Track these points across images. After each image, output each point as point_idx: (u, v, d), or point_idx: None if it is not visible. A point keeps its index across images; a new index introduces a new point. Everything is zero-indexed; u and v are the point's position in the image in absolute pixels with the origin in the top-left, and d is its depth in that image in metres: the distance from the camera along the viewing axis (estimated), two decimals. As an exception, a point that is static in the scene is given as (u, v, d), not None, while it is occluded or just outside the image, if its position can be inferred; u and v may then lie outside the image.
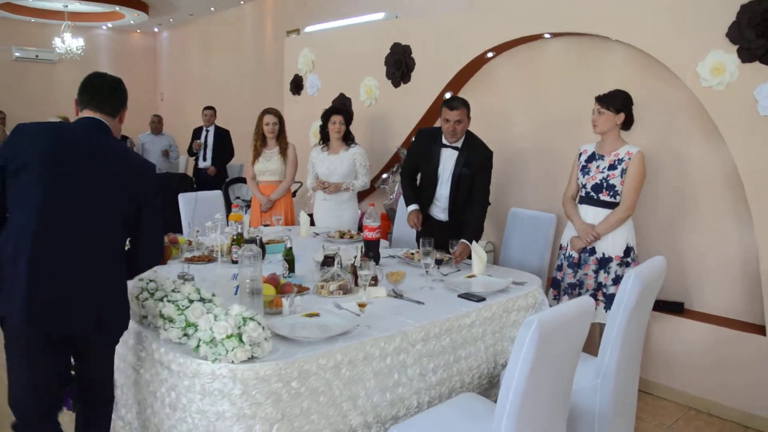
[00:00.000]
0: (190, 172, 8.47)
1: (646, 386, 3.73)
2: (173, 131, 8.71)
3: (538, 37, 4.35)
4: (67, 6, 9.50)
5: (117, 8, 9.51)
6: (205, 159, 7.64)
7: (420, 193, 3.96)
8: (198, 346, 2.11)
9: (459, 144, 3.72)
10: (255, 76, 9.27)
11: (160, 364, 2.28)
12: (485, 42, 4.52)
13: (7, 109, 9.15)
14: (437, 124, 3.89)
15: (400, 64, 5.17)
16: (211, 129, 7.62)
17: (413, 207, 3.90)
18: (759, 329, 3.41)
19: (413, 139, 4.13)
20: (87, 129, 2.30)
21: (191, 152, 7.78)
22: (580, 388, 2.59)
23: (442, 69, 4.71)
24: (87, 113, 2.33)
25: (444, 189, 3.82)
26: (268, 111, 4.90)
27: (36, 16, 10.27)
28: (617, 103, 3.33)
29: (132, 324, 2.51)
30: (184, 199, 4.91)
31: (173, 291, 2.45)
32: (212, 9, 9.86)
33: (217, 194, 5.24)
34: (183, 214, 4.88)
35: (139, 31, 12.34)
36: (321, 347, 2.23)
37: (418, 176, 4.01)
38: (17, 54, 11.04)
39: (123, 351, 2.65)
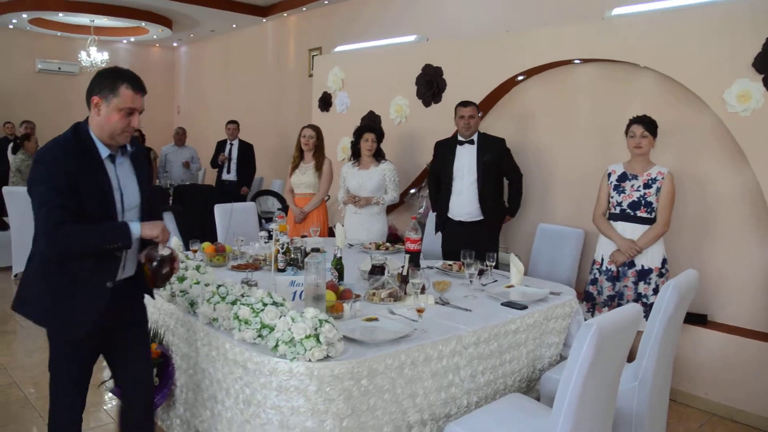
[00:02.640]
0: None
1: (672, 394, 3.87)
2: (190, 144, 8.92)
3: (568, 62, 4.56)
4: (93, 21, 9.75)
5: (143, 23, 9.77)
6: (229, 172, 7.84)
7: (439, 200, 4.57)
8: (276, 345, 2.28)
9: (474, 138, 4.39)
10: (276, 93, 9.50)
11: (234, 362, 2.45)
12: (516, 66, 4.73)
13: (32, 119, 9.37)
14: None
15: (431, 85, 5.38)
16: (236, 143, 7.83)
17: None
18: (776, 339, 3.61)
19: (434, 149, 4.67)
20: None
21: (215, 164, 7.97)
22: (620, 391, 2.76)
23: (473, 90, 4.92)
24: None
25: (466, 180, 4.37)
26: (307, 126, 5.10)
27: (62, 30, 10.53)
28: (655, 127, 3.59)
29: (200, 325, 2.69)
30: (220, 210, 5.09)
31: (243, 296, 2.63)
32: (234, 26, 10.11)
33: (251, 206, 5.44)
34: (219, 224, 5.05)
35: (158, 45, 12.60)
36: (387, 348, 2.40)
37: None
38: (40, 66, 11.30)
39: (187, 351, 2.83)
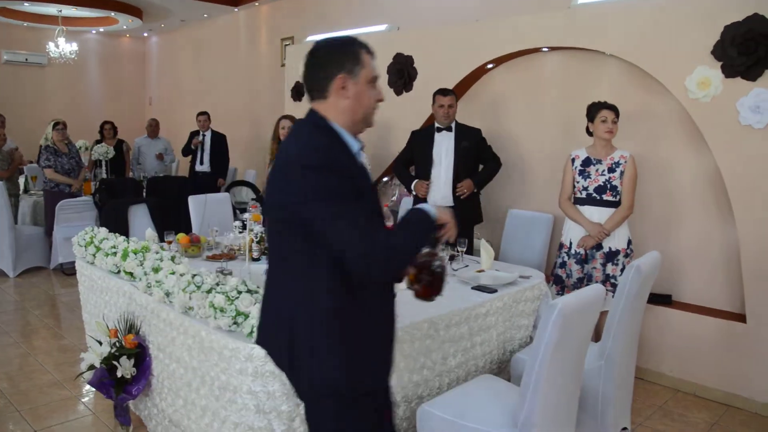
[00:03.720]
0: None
1: (638, 372, 4.00)
2: (163, 135, 8.86)
3: (536, 50, 4.64)
4: (61, 11, 9.59)
5: (112, 14, 9.64)
6: (202, 163, 7.79)
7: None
8: (252, 331, 2.34)
9: (452, 126, 4.48)
10: (248, 82, 9.46)
11: (210, 350, 2.49)
12: (486, 54, 4.80)
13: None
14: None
15: (402, 74, 5.43)
16: (208, 133, 7.78)
17: (416, 180, 4.58)
18: (740, 317, 3.74)
19: (409, 138, 4.73)
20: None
21: (187, 152, 7.90)
22: (586, 370, 2.86)
23: (444, 79, 4.97)
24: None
25: (442, 165, 4.45)
26: (285, 116, 5.16)
27: (29, 21, 10.34)
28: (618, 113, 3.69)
29: (176, 315, 2.72)
30: (194, 201, 5.09)
31: (218, 284, 2.68)
32: (205, 15, 10.03)
33: (225, 196, 5.45)
34: (193, 215, 5.06)
35: (128, 35, 12.44)
36: (359, 333, 2.46)
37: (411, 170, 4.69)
38: (6, 57, 11.09)
39: (163, 340, 2.86)
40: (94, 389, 3.20)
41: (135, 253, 3.24)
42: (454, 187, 4.43)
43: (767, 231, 3.56)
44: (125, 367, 2.93)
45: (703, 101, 3.69)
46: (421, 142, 4.58)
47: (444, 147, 4.46)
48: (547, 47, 4.55)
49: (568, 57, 4.54)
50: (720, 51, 3.58)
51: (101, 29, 11.37)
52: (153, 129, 8.53)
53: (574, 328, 2.27)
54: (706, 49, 3.64)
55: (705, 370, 3.83)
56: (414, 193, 4.58)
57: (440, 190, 4.47)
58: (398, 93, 5.52)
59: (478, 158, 4.55)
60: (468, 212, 4.45)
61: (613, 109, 3.70)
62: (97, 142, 8.16)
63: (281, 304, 1.83)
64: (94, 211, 6.40)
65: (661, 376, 4.01)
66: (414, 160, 4.66)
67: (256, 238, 3.62)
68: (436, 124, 4.51)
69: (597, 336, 3.23)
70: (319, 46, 1.86)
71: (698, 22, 3.68)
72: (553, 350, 2.18)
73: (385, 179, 5.82)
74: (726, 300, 3.91)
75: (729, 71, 3.57)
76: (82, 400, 3.64)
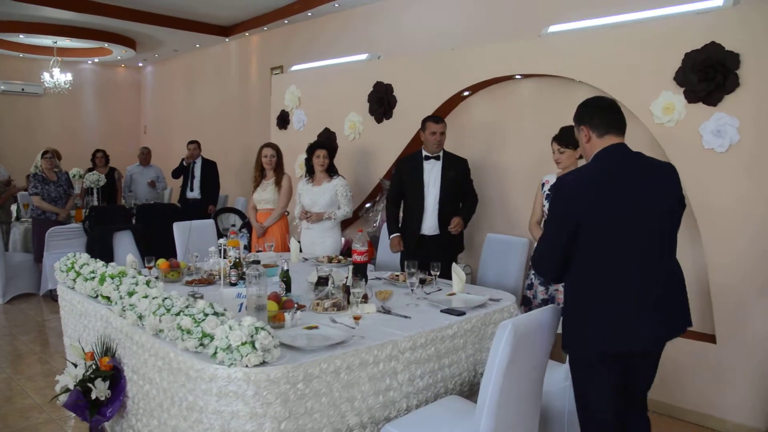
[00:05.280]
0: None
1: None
2: (157, 163, 8.99)
3: (509, 77, 4.77)
4: (56, 42, 9.79)
5: (106, 44, 9.84)
6: (192, 190, 7.90)
7: (404, 217, 4.58)
8: (215, 353, 2.40)
9: (440, 154, 4.47)
10: (239, 110, 9.62)
11: (178, 371, 2.55)
12: (462, 81, 4.93)
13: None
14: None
15: (382, 101, 5.55)
16: (198, 161, 7.90)
17: (395, 234, 4.58)
18: (710, 338, 3.80)
19: (396, 167, 4.68)
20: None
21: (177, 174, 8.01)
22: (551, 391, 2.92)
23: (422, 106, 5.09)
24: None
25: (431, 194, 4.45)
26: (267, 145, 5.26)
27: (24, 52, 10.55)
28: (572, 140, 3.75)
29: (147, 337, 2.79)
30: (179, 228, 5.18)
31: (187, 307, 2.74)
32: (197, 45, 10.23)
33: (210, 223, 5.53)
34: (178, 241, 5.14)
35: (123, 65, 12.64)
36: (322, 354, 2.52)
37: (402, 205, 4.58)
38: (3, 87, 11.28)
39: (136, 362, 2.92)
40: (73, 413, 3.25)
41: (112, 278, 3.31)
42: (440, 217, 4.45)
43: (734, 253, 3.64)
44: (99, 389, 2.98)
45: (668, 126, 3.79)
46: (409, 170, 4.53)
47: (432, 176, 4.45)
48: (520, 74, 4.67)
49: (540, 83, 4.67)
50: (682, 77, 3.71)
51: (96, 59, 11.58)
52: (145, 157, 8.66)
53: (527, 348, 2.34)
54: (669, 76, 3.76)
55: (678, 391, 3.88)
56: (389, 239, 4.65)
57: (427, 220, 4.49)
58: (379, 120, 5.64)
59: (461, 189, 4.53)
60: (452, 242, 4.52)
61: (557, 139, 3.82)
62: (90, 170, 8.28)
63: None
64: (83, 238, 6.48)
65: (634, 397, 4.05)
66: (404, 189, 4.59)
67: (231, 263, 3.69)
68: (424, 152, 4.48)
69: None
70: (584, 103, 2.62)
71: (661, 50, 3.81)
72: (506, 369, 2.24)
73: (367, 205, 5.91)
74: (696, 321, 3.95)
75: (691, 97, 3.69)
76: (61, 423, 3.68)
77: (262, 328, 2.40)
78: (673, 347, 3.84)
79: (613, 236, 2.30)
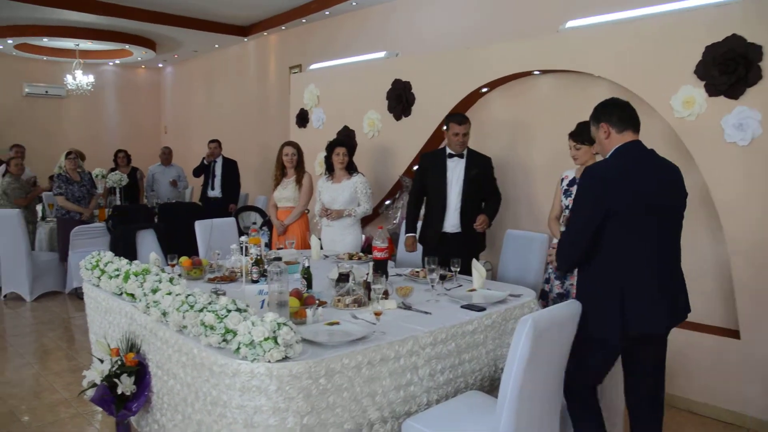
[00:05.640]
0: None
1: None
2: (177, 162, 9.10)
3: (528, 73, 4.76)
4: (78, 45, 9.94)
5: (126, 46, 9.96)
6: (213, 188, 7.98)
7: (426, 213, 4.56)
8: (238, 348, 2.43)
9: (463, 153, 4.43)
10: (258, 109, 9.69)
11: (201, 366, 2.60)
12: (480, 78, 4.93)
13: (20, 142, 9.53)
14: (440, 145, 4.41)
15: (400, 99, 5.57)
16: (219, 160, 7.98)
17: (410, 234, 4.63)
18: (733, 333, 3.77)
19: (418, 163, 4.64)
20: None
21: (198, 172, 8.10)
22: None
23: (440, 103, 5.10)
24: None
25: (454, 192, 4.43)
26: (287, 143, 5.29)
27: (48, 55, 10.72)
28: (588, 136, 3.73)
29: (171, 333, 2.84)
30: (201, 226, 5.24)
31: (209, 304, 2.79)
32: (216, 46, 10.31)
33: (231, 221, 5.59)
34: (200, 239, 5.20)
35: (144, 66, 12.79)
36: (344, 349, 2.55)
37: (424, 201, 4.60)
38: (27, 90, 11.47)
39: (161, 358, 2.98)
40: (99, 408, 3.32)
41: (136, 275, 3.37)
42: (461, 215, 4.43)
43: (757, 247, 3.60)
44: (125, 384, 3.04)
45: (688, 120, 3.77)
46: (432, 166, 4.50)
47: (455, 174, 4.42)
48: (539, 70, 4.66)
49: (559, 79, 4.66)
50: (702, 71, 3.67)
51: (117, 61, 11.73)
52: (166, 157, 8.77)
53: (548, 343, 2.34)
54: (689, 69, 3.73)
55: (700, 387, 3.86)
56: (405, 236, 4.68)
57: (449, 218, 4.47)
58: (397, 118, 5.66)
59: (483, 187, 4.51)
60: (473, 240, 4.50)
61: (573, 135, 3.82)
62: (112, 170, 8.40)
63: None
64: (107, 237, 6.57)
65: (656, 393, 4.03)
66: (426, 186, 4.58)
67: (253, 260, 3.73)
68: (448, 150, 4.45)
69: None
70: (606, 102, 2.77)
71: (681, 43, 3.78)
72: (527, 364, 2.25)
73: (387, 202, 5.93)
74: (719, 316, 3.94)
75: (712, 90, 3.65)
76: (88, 417, 3.75)
77: (284, 324, 2.43)
78: (697, 342, 3.84)
79: (634, 225, 2.50)
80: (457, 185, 4.42)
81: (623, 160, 2.55)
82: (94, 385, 3.11)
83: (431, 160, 4.56)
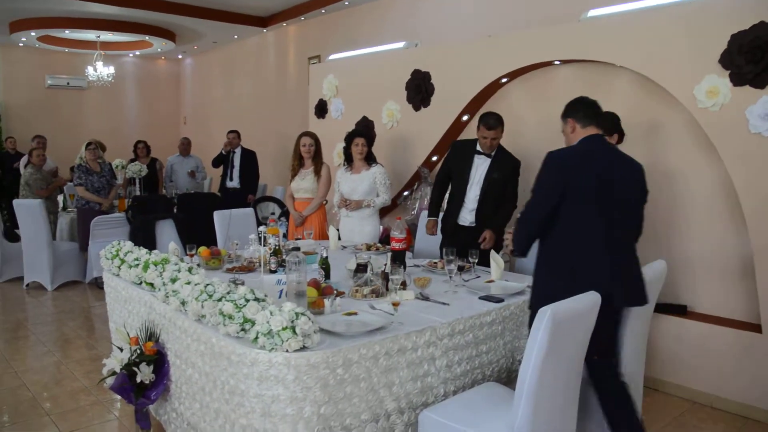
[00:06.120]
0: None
1: (654, 383, 4.02)
2: (196, 153, 9.14)
3: (548, 63, 4.70)
4: (99, 36, 10.01)
5: (147, 38, 10.02)
6: (231, 179, 8.01)
7: (448, 201, 4.51)
8: (256, 337, 2.44)
9: (492, 153, 4.32)
10: (277, 100, 9.70)
11: (220, 355, 2.61)
12: (500, 68, 4.88)
13: (42, 133, 9.65)
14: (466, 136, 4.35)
15: (420, 89, 5.54)
16: (238, 150, 8.00)
17: (432, 217, 4.58)
18: (756, 327, 3.71)
19: (449, 149, 4.58)
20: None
21: (217, 163, 8.13)
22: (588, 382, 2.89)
23: (460, 94, 5.06)
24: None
25: (473, 191, 4.35)
26: (305, 134, 5.27)
27: (69, 47, 10.82)
28: (608, 126, 3.71)
29: (190, 322, 2.85)
30: (219, 216, 5.26)
31: (228, 293, 2.79)
32: (235, 37, 10.34)
33: (249, 212, 5.61)
34: (218, 229, 5.23)
35: (163, 58, 12.87)
36: (362, 339, 2.55)
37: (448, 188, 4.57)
38: (50, 82, 11.59)
39: (179, 347, 3.00)
40: (119, 396, 3.35)
41: (155, 265, 3.39)
42: (477, 214, 4.36)
43: (781, 239, 3.54)
44: (144, 373, 3.07)
45: (712, 110, 3.70)
46: (459, 158, 4.43)
47: (479, 173, 4.35)
48: (559, 60, 4.60)
49: (580, 69, 4.59)
50: (727, 60, 3.60)
51: (137, 52, 11.82)
52: (185, 147, 8.81)
53: (566, 335, 2.32)
54: (713, 58, 3.66)
55: (721, 381, 3.80)
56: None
57: (465, 213, 4.42)
58: (416, 108, 5.63)
59: (504, 190, 4.37)
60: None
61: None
62: (132, 160, 8.47)
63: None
64: (127, 227, 6.63)
65: (677, 388, 3.98)
66: (451, 175, 4.53)
67: (271, 250, 3.73)
68: (478, 146, 4.35)
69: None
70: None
71: (705, 32, 3.70)
72: (545, 357, 2.23)
73: (405, 193, 5.91)
74: (742, 310, 3.88)
75: (737, 79, 3.58)
76: (108, 405, 3.80)
77: (303, 314, 2.43)
78: (718, 337, 3.79)
79: (589, 206, 2.69)
80: (478, 185, 4.34)
81: (587, 147, 2.78)
82: (114, 373, 3.14)
83: (461, 151, 4.46)
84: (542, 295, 2.76)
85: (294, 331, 2.38)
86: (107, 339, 4.78)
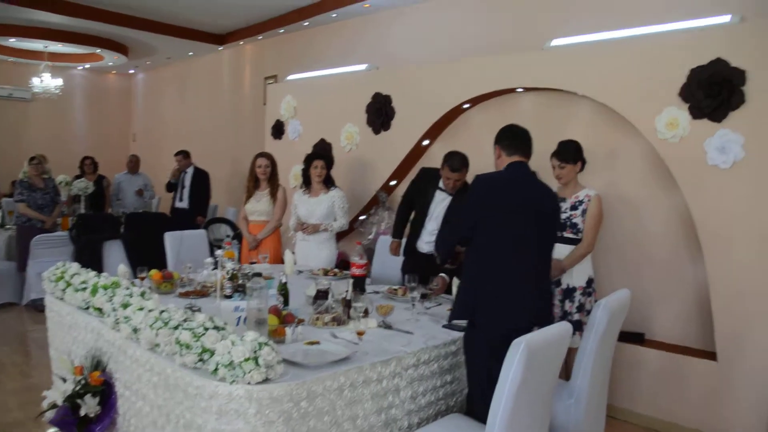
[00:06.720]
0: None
1: (611, 410, 3.97)
2: (146, 171, 8.87)
3: (511, 90, 4.73)
4: (47, 46, 9.67)
5: (98, 50, 9.72)
6: (181, 199, 7.74)
7: (411, 223, 4.44)
8: (216, 369, 2.30)
9: (454, 192, 4.14)
10: (232, 119, 9.53)
11: (175, 387, 2.46)
12: (462, 94, 4.89)
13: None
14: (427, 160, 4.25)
15: (380, 113, 5.50)
16: (190, 170, 7.75)
17: (396, 239, 4.53)
18: (711, 355, 3.76)
19: (418, 173, 4.51)
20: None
21: (169, 188, 7.89)
22: (555, 409, 2.85)
23: (421, 118, 5.04)
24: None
25: (431, 225, 4.23)
26: (261, 154, 5.15)
27: (15, 56, 10.41)
28: (572, 155, 3.75)
29: (143, 351, 2.69)
30: (170, 238, 5.07)
31: (185, 321, 2.65)
32: (190, 53, 10.14)
33: (202, 233, 5.43)
34: (169, 251, 5.03)
35: (114, 72, 12.52)
36: (326, 371, 2.44)
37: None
38: (-10, 92, 11.12)
39: (129, 378, 2.82)
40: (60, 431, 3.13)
41: (105, 289, 3.20)
42: (435, 246, 4.26)
43: (736, 270, 3.60)
44: (89, 405, 2.88)
45: (671, 141, 3.77)
46: (423, 188, 4.34)
47: (438, 208, 4.25)
48: (522, 88, 4.64)
49: (542, 97, 4.64)
50: (687, 93, 3.69)
51: (87, 65, 11.45)
52: (133, 165, 8.53)
53: (539, 366, 2.27)
54: (673, 91, 3.74)
55: (678, 408, 3.83)
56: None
57: (422, 242, 4.33)
58: (376, 132, 5.59)
59: None
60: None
61: (557, 154, 3.80)
62: (77, 177, 8.13)
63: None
64: (70, 247, 6.34)
65: (634, 415, 4.00)
66: (414, 201, 4.44)
67: (228, 275, 3.59)
68: (440, 184, 4.23)
69: (567, 374, 3.22)
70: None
71: (666, 65, 3.79)
72: (518, 389, 2.17)
73: (362, 217, 5.84)
74: (698, 338, 3.93)
75: (696, 113, 3.67)
76: (47, 439, 3.55)
77: (266, 344, 2.32)
78: (675, 364, 3.82)
79: (506, 228, 2.82)
80: (436, 221, 4.24)
81: (511, 174, 2.93)
82: (55, 405, 2.93)
83: (425, 179, 4.36)
84: (459, 300, 2.96)
85: (257, 362, 2.26)
86: (45, 367, 4.48)
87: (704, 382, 3.72)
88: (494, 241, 2.84)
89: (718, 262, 3.66)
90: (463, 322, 3.20)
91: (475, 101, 4.96)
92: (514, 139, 3.01)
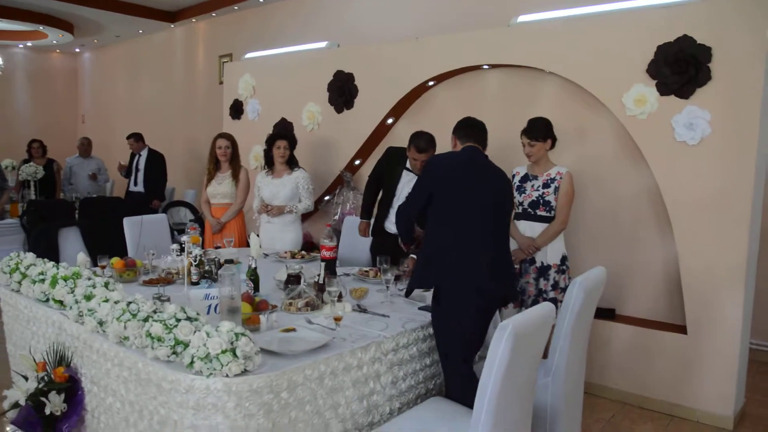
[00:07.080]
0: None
1: (585, 386, 4.04)
2: (98, 154, 8.55)
3: (477, 68, 4.68)
4: (-15, 24, 9.20)
5: (41, 27, 9.28)
6: (136, 183, 7.51)
7: (378, 203, 4.44)
8: (192, 362, 2.21)
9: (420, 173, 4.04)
10: (186, 99, 9.26)
11: (147, 382, 2.35)
12: (426, 71, 4.81)
13: None
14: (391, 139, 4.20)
15: (343, 91, 5.38)
16: (144, 152, 7.51)
17: (364, 220, 4.53)
18: (681, 329, 3.83)
19: (384, 153, 4.46)
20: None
21: (126, 173, 7.65)
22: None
23: (385, 96, 4.95)
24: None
25: (398, 203, 4.08)
26: (221, 135, 4.99)
27: (-50, 34, 9.88)
28: (542, 132, 3.72)
29: (110, 345, 2.57)
30: (129, 223, 4.89)
31: (155, 312, 2.53)
32: (140, 31, 9.79)
33: (162, 218, 5.26)
34: (128, 237, 4.86)
35: (58, 51, 12.01)
36: (305, 359, 2.37)
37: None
38: (-74, 72, 10.53)
39: (96, 372, 2.70)
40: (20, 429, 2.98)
41: (65, 280, 3.05)
42: None
43: (705, 245, 3.66)
44: (54, 403, 2.74)
45: (639, 118, 3.78)
46: (390, 168, 4.33)
47: (405, 189, 4.17)
48: (488, 65, 4.59)
49: (508, 74, 4.60)
50: (654, 69, 3.70)
51: (29, 43, 10.94)
52: (85, 148, 8.22)
53: (525, 348, 2.25)
54: (641, 68, 3.75)
55: (649, 382, 3.90)
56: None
57: (389, 222, 4.31)
58: (339, 111, 5.48)
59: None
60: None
61: (526, 132, 3.79)
62: (25, 161, 7.78)
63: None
64: (21, 235, 6.09)
65: (607, 390, 4.05)
66: (381, 181, 4.43)
67: (195, 260, 3.47)
68: (407, 164, 4.24)
69: (546, 352, 3.22)
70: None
71: (633, 42, 3.79)
72: (506, 371, 2.14)
73: (327, 198, 5.74)
74: (667, 312, 4.00)
75: (663, 89, 3.68)
76: (7, 439, 3.39)
77: (243, 334, 2.23)
78: (645, 339, 3.88)
79: (462, 201, 2.94)
80: (403, 198, 4.14)
81: (465, 155, 3.07)
82: (17, 405, 2.79)
83: (393, 159, 4.34)
84: (417, 277, 3.03)
85: (234, 354, 2.17)
86: (3, 363, 4.30)
87: (675, 355, 3.79)
88: (450, 213, 2.95)
89: (687, 237, 3.71)
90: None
91: (440, 78, 4.89)
92: (469, 129, 3.17)
